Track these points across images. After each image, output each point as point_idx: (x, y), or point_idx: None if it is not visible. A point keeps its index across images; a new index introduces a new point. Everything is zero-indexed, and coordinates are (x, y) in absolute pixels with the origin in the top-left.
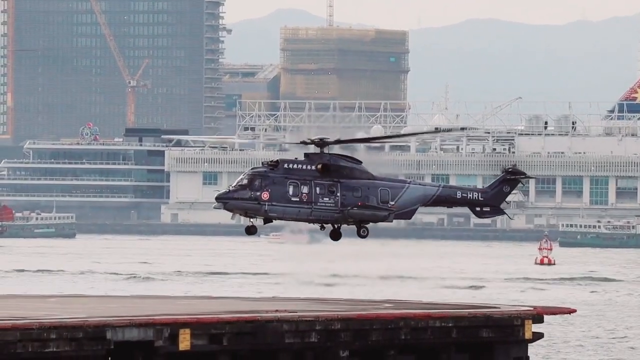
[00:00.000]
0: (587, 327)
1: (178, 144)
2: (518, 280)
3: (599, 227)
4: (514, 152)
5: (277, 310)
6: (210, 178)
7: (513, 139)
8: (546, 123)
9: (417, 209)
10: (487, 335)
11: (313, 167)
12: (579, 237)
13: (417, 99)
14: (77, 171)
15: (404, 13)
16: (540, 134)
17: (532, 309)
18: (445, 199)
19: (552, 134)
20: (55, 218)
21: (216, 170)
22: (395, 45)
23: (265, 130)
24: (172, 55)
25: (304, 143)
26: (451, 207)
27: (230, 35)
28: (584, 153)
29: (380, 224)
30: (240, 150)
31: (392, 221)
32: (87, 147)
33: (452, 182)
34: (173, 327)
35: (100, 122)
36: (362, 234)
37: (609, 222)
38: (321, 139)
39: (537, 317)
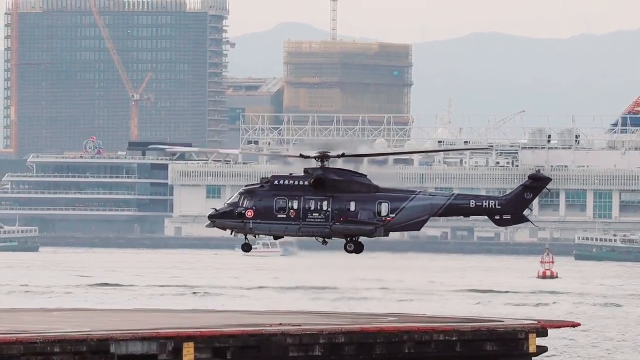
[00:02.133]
0: (591, 340)
1: (181, 157)
2: (521, 293)
3: (615, 240)
4: (517, 166)
5: (280, 324)
6: (213, 191)
7: (516, 153)
8: (549, 136)
9: (426, 219)
10: (491, 348)
11: (306, 183)
12: (594, 250)
13: (420, 112)
14: (81, 185)
15: (408, 27)
16: (544, 148)
17: (536, 322)
18: (457, 208)
19: (556, 148)
20: (18, 231)
21: (220, 183)
22: (399, 59)
23: (269, 143)
24: (176, 68)
25: (303, 157)
26: (467, 216)
27: (233, 49)
28: (588, 166)
29: (383, 237)
30: (243, 163)
31: (384, 235)
32: (90, 161)
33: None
34: (177, 340)
35: (104, 136)
36: (347, 248)
37: (625, 235)
38: (322, 153)
39: (541, 331)
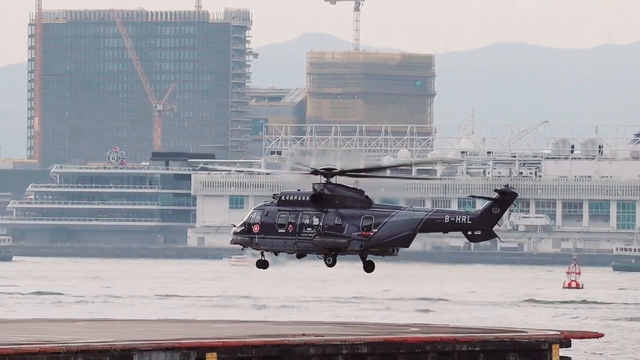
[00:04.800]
0: (615, 351)
1: (204, 167)
2: (545, 304)
3: None
4: (540, 176)
5: (303, 334)
6: (236, 202)
7: (539, 163)
8: (573, 147)
9: (411, 235)
10: (514, 359)
11: (308, 199)
12: (633, 261)
13: (443, 122)
14: (104, 195)
15: (430, 37)
16: (567, 158)
17: (559, 333)
18: (433, 224)
19: (579, 158)
20: None
21: (242, 194)
22: (422, 69)
23: (292, 154)
24: (199, 79)
25: (315, 173)
26: (445, 232)
27: (256, 60)
28: (611, 177)
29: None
30: (266, 174)
31: (361, 249)
32: (113, 171)
33: (478, 206)
34: (200, 350)
35: (127, 146)
36: (327, 262)
37: None
38: (327, 169)
39: (565, 342)
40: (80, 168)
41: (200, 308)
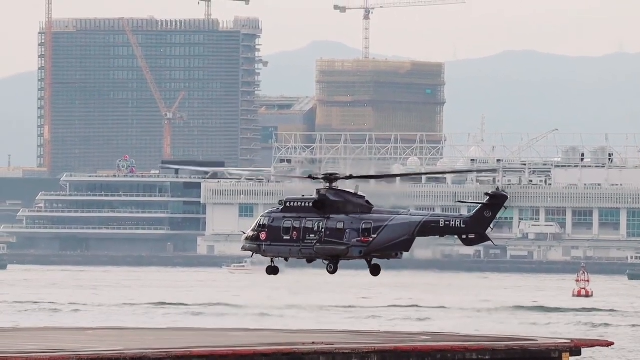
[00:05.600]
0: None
1: (214, 176)
2: (555, 311)
3: None
4: (550, 184)
5: (314, 343)
6: (246, 210)
7: (549, 171)
8: (583, 155)
9: (410, 239)
10: None
11: (311, 205)
12: None
13: (453, 130)
14: (114, 203)
15: (440, 45)
16: (577, 166)
17: (569, 341)
18: (430, 228)
19: (589, 166)
20: None
21: (252, 202)
22: (431, 77)
23: (302, 162)
24: (209, 87)
25: (312, 178)
26: (442, 236)
27: (266, 68)
28: (621, 185)
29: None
30: (276, 182)
31: (360, 255)
32: (123, 180)
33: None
34: (210, 359)
35: (137, 155)
36: (328, 269)
37: None
38: (329, 174)
39: (575, 350)
40: (90, 176)
41: (184, 316)
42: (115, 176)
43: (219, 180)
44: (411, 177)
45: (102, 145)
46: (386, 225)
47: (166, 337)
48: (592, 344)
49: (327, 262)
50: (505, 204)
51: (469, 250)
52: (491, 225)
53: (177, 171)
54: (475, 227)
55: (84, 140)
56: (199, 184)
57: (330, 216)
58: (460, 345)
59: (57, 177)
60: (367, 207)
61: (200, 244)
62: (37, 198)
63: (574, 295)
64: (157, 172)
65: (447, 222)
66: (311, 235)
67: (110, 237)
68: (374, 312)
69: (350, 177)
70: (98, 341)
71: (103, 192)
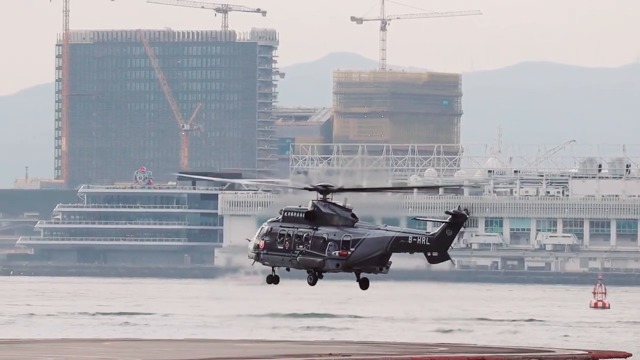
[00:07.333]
0: None
1: (231, 187)
2: (572, 323)
3: None
4: (567, 195)
5: (330, 354)
6: (263, 221)
7: (567, 182)
8: (600, 166)
9: (386, 255)
10: None
11: (303, 216)
12: None
13: (470, 141)
14: (131, 215)
15: (457, 56)
16: (594, 177)
17: (587, 352)
18: (399, 243)
19: (606, 177)
20: None
21: (269, 214)
22: (448, 88)
23: (319, 174)
24: (226, 99)
25: (307, 189)
26: (411, 252)
27: (283, 79)
28: (638, 196)
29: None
30: (293, 193)
31: (337, 268)
32: (140, 191)
33: (505, 225)
34: None
35: (154, 166)
36: (308, 281)
37: None
38: (323, 186)
39: None
40: (107, 188)
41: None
42: (132, 188)
43: (236, 191)
44: (428, 189)
45: (119, 157)
46: (363, 239)
47: (185, 348)
48: (609, 355)
49: (309, 274)
50: (464, 224)
51: (487, 262)
52: (452, 245)
53: (194, 182)
54: (437, 245)
55: (101, 152)
56: (216, 195)
57: (318, 228)
58: (477, 356)
59: (75, 189)
60: (352, 221)
61: (218, 256)
62: (54, 210)
63: (590, 307)
64: (174, 183)
65: (414, 239)
66: (300, 246)
67: (127, 249)
68: (388, 323)
69: (342, 189)
70: (116, 353)
71: (120, 204)
